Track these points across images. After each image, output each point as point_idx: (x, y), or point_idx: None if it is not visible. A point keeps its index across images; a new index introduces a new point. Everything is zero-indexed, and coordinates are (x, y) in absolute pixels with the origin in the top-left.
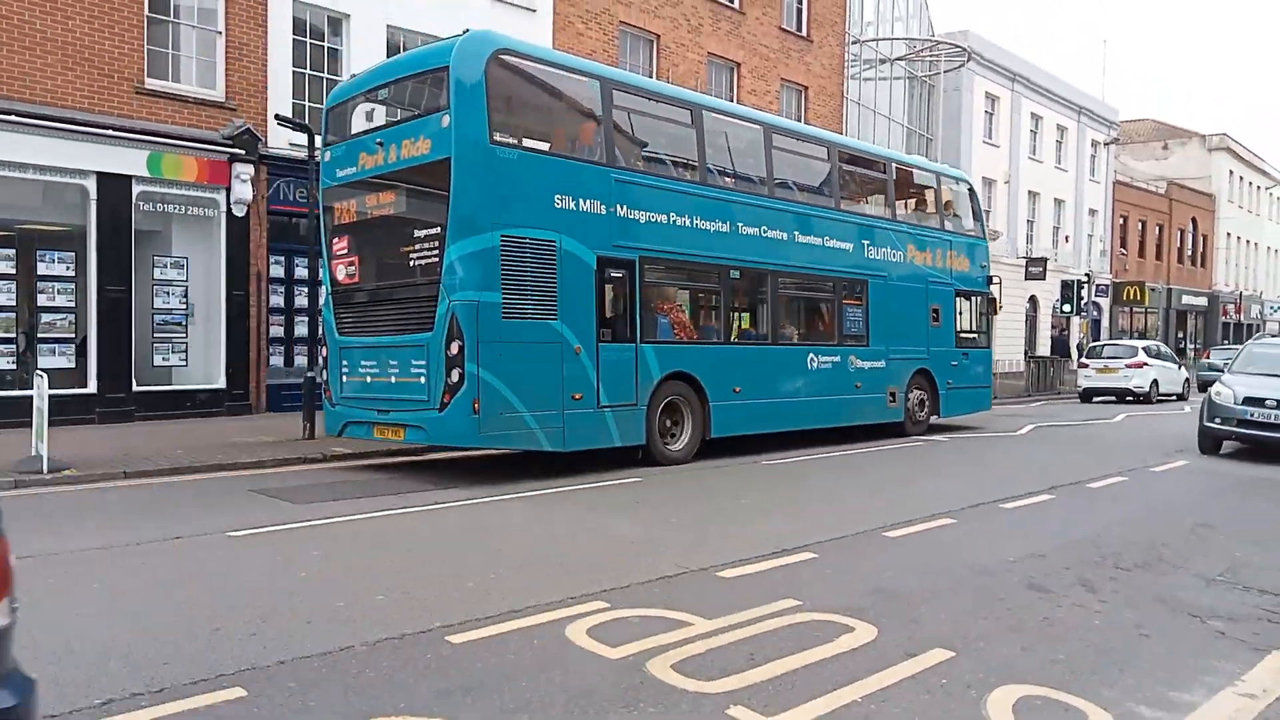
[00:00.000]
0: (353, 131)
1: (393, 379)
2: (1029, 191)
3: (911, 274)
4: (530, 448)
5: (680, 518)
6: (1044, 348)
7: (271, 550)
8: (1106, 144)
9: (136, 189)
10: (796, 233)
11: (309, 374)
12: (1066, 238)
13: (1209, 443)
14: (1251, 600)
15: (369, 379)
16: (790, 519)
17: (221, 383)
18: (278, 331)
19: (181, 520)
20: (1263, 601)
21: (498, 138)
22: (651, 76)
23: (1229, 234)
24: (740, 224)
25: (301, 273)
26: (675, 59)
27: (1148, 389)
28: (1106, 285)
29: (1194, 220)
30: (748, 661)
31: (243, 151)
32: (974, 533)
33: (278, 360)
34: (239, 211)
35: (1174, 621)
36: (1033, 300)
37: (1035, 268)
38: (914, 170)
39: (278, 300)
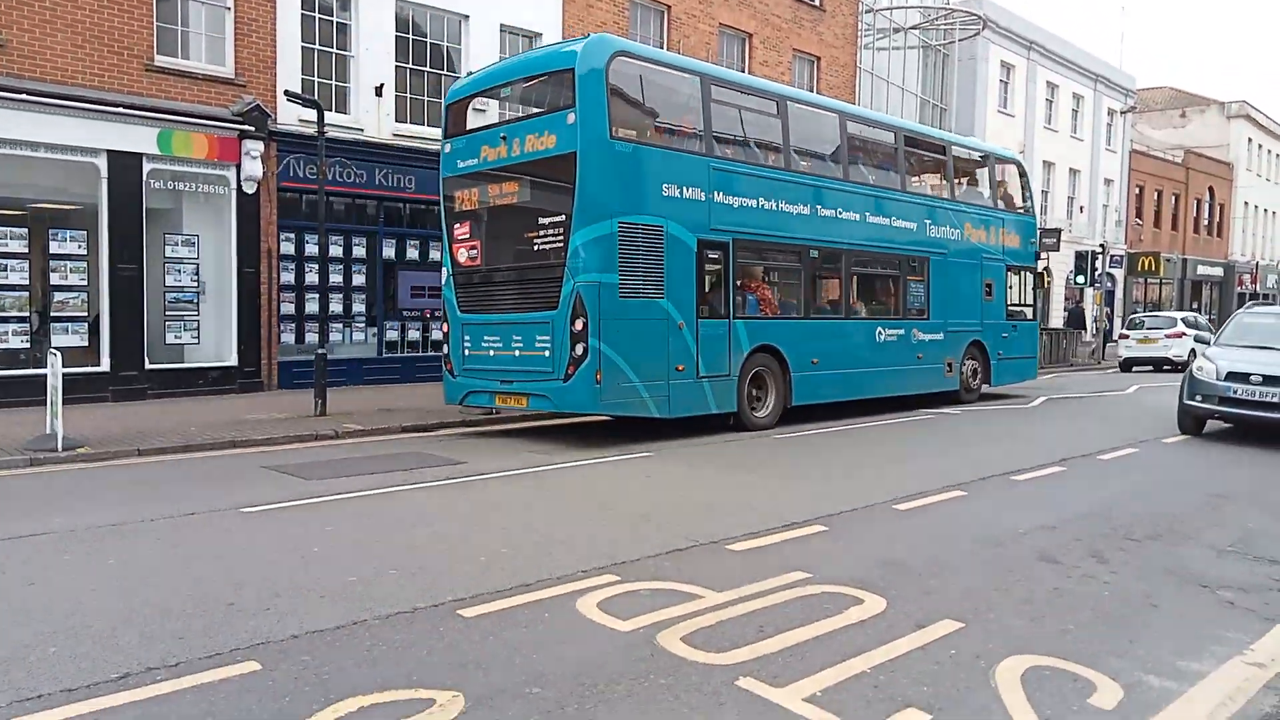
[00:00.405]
0: (469, 126)
1: (516, 352)
2: (1044, 161)
3: (968, 250)
4: (641, 414)
5: (685, 493)
6: (1056, 319)
7: (284, 526)
8: (1123, 113)
9: (147, 167)
10: (867, 213)
11: (320, 350)
12: (1081, 208)
13: (1190, 422)
14: (1262, 570)
15: (491, 353)
16: (814, 487)
17: (233, 360)
18: (289, 309)
19: (194, 497)
20: (1273, 572)
21: (617, 133)
22: (662, 48)
23: (1246, 203)
24: (819, 206)
25: (312, 249)
26: (686, 30)
27: (1186, 357)
28: (1121, 256)
29: (1211, 189)
30: (757, 633)
31: (252, 128)
32: (985, 504)
33: (289, 337)
34: (249, 189)
35: (1184, 592)
36: (1047, 271)
37: (1049, 239)
38: (970, 151)
39: (288, 277)
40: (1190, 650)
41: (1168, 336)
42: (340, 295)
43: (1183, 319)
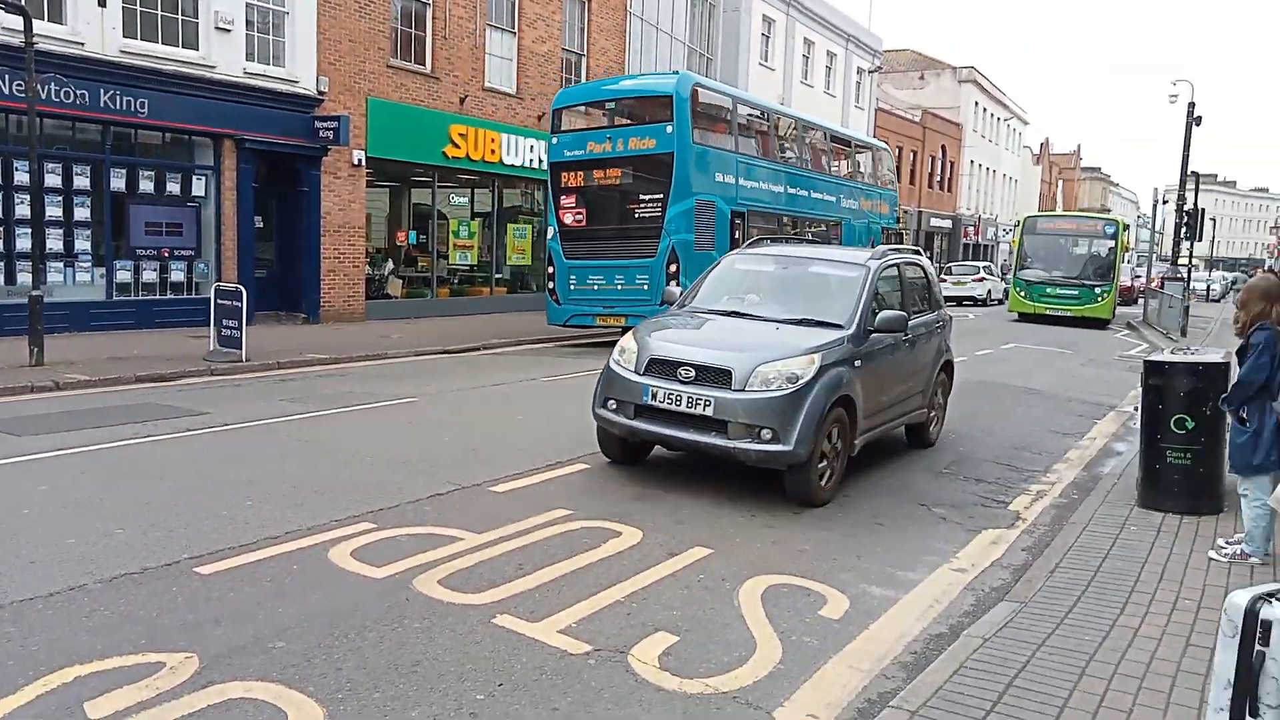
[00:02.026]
0: (561, 127)
1: (619, 286)
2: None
3: (863, 215)
4: None
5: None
6: None
7: None
8: (871, 72)
9: None
10: (813, 191)
11: (35, 293)
12: None
13: (613, 446)
14: (969, 489)
15: (596, 287)
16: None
17: None
18: None
19: None
20: (978, 489)
21: (695, 139)
22: None
23: (972, 161)
24: (789, 186)
25: (23, 178)
26: None
27: (985, 296)
28: None
29: (944, 148)
30: (516, 571)
31: None
32: None
33: None
34: None
35: (904, 511)
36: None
37: None
38: (863, 143)
39: None
40: (907, 562)
41: (973, 280)
42: (60, 231)
43: (983, 267)
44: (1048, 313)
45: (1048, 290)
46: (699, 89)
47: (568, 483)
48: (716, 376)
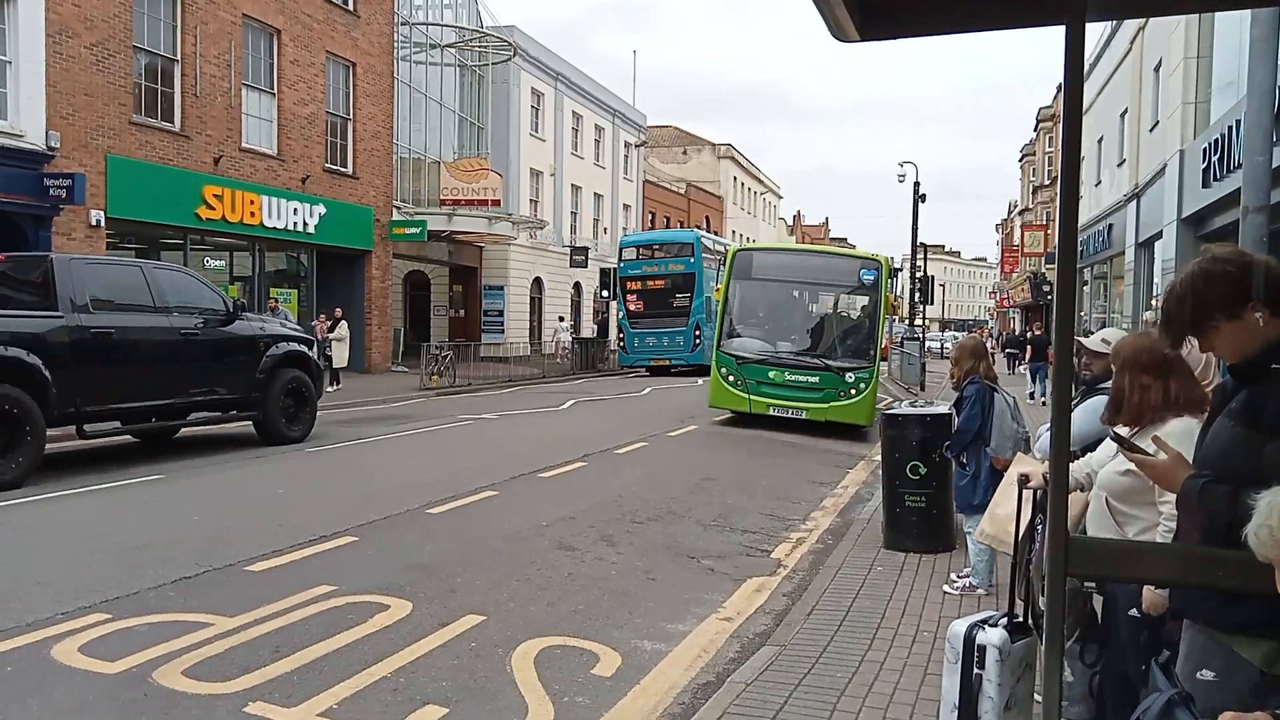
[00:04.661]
0: (625, 256)
1: (665, 344)
2: (572, 185)
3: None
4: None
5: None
6: (587, 329)
7: None
8: (637, 146)
9: None
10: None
11: None
12: (605, 229)
13: None
14: (735, 539)
15: (650, 344)
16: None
17: None
18: None
19: None
20: (744, 540)
21: (703, 264)
22: (175, 35)
23: (734, 231)
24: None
25: None
26: (205, 16)
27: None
28: None
29: (707, 218)
30: (272, 655)
31: None
32: (514, 502)
33: None
34: None
35: (676, 564)
36: (577, 286)
37: (579, 256)
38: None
39: None
40: (678, 614)
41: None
42: None
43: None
44: (771, 413)
45: (770, 374)
46: (703, 236)
47: (333, 557)
48: None
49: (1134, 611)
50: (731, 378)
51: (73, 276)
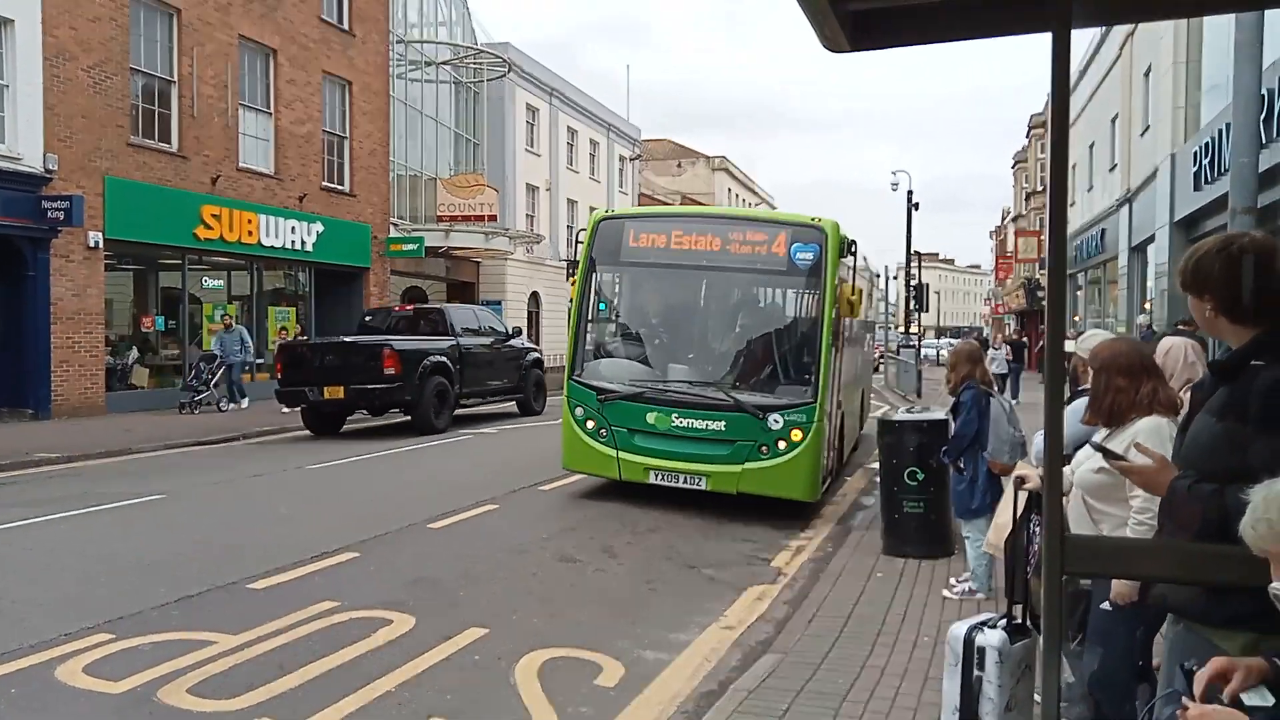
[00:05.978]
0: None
1: None
2: (568, 199)
3: None
4: None
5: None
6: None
7: None
8: (631, 159)
9: None
10: None
11: None
12: None
13: None
14: (736, 548)
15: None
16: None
17: None
18: None
19: None
20: (744, 549)
21: None
22: (172, 56)
23: None
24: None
25: None
26: (202, 37)
27: None
28: None
29: None
30: (277, 671)
31: None
32: (514, 515)
33: None
34: None
35: (677, 574)
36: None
37: (575, 270)
38: None
39: None
40: (679, 624)
41: None
42: None
43: None
44: (652, 480)
45: (649, 418)
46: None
47: (335, 573)
48: None
49: (1106, 605)
50: (591, 423)
51: (453, 317)
